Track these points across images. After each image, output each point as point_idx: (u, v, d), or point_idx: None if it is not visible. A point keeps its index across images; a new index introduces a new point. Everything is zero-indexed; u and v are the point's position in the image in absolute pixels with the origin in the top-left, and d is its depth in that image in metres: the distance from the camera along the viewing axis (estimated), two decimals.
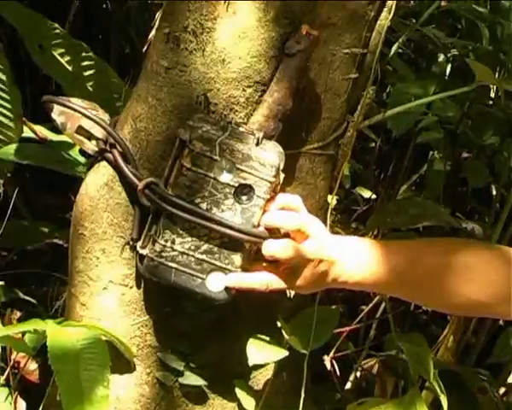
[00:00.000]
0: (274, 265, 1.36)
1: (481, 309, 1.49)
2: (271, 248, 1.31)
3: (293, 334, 1.51)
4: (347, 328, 1.83)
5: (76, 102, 1.46)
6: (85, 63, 1.67)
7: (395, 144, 3.10)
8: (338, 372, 1.74)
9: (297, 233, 1.35)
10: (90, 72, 1.68)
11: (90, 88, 1.67)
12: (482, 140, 2.54)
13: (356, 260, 1.42)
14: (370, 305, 1.89)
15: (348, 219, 2.79)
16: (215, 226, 1.34)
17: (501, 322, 2.49)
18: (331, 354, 1.73)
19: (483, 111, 2.61)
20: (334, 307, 1.65)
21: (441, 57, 2.91)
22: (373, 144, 3.21)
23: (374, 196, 2.90)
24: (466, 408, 1.91)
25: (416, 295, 1.57)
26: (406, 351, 1.65)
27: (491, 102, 2.71)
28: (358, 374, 1.90)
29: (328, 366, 1.70)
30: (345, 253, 1.41)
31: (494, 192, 2.77)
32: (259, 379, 1.57)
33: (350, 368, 1.91)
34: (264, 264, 1.36)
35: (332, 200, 1.53)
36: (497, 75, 2.42)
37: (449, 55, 2.86)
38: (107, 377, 1.31)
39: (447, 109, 2.61)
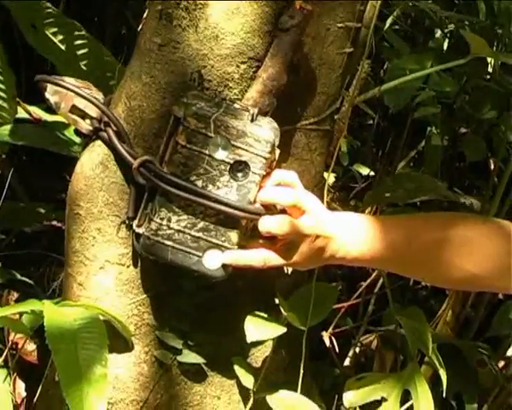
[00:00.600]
0: (271, 241, 1.35)
1: (480, 283, 1.49)
2: (267, 224, 1.31)
3: (292, 311, 1.50)
4: (345, 304, 1.83)
5: (69, 81, 1.45)
6: (78, 42, 1.66)
7: (393, 120, 3.09)
8: (337, 348, 1.75)
9: (293, 209, 1.34)
10: (84, 51, 1.67)
11: (83, 67, 1.66)
12: (480, 114, 2.53)
13: (353, 235, 1.41)
14: (368, 280, 1.89)
15: (346, 196, 2.79)
16: (211, 204, 1.33)
17: (500, 296, 2.50)
18: (330, 330, 1.73)
19: (480, 85, 2.60)
20: (332, 283, 1.64)
21: (438, 32, 2.90)
22: (371, 121, 3.20)
23: (372, 173, 2.89)
24: (465, 382, 1.93)
25: (414, 270, 1.57)
26: (404, 325, 1.66)
27: (488, 77, 2.70)
28: (358, 350, 1.91)
29: (327, 343, 1.71)
30: (342, 228, 1.40)
31: (492, 166, 2.77)
32: (258, 356, 1.57)
33: (349, 344, 1.92)
34: (261, 241, 1.36)
35: (328, 176, 1.52)
36: (494, 49, 2.42)
37: (446, 29, 2.85)
38: (106, 356, 1.30)
39: (444, 84, 2.60)
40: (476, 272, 1.43)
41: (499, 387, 1.97)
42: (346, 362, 1.81)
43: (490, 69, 2.64)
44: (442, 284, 1.61)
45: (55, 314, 1.35)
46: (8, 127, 1.76)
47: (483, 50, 1.65)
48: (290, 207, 1.34)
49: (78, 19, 2.01)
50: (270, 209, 1.35)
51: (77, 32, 1.68)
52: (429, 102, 2.64)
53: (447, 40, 2.84)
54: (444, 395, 1.63)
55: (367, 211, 2.07)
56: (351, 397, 1.66)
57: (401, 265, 1.52)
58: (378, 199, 1.91)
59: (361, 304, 1.99)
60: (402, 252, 1.44)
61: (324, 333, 1.71)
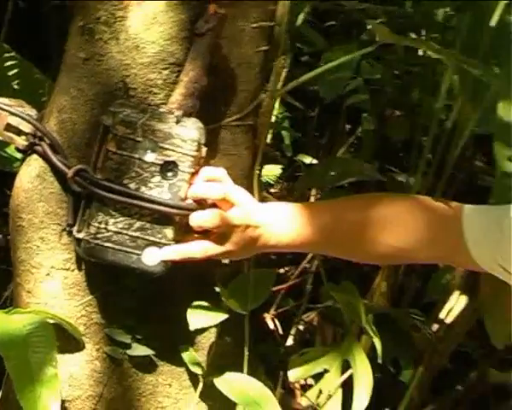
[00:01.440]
0: (204, 235, 1.38)
1: (405, 256, 1.52)
2: (197, 219, 1.34)
3: (232, 297, 1.53)
4: (285, 285, 1.85)
5: (2, 101, 1.45)
6: (9, 63, 1.66)
7: (331, 110, 3.11)
8: (280, 329, 1.77)
9: (222, 202, 1.37)
10: (15, 71, 1.67)
11: (16, 86, 1.66)
12: (407, 97, 2.57)
13: (282, 223, 1.44)
14: (304, 261, 1.92)
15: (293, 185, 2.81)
16: (145, 204, 1.36)
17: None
18: (272, 311, 1.76)
19: (408, 70, 2.64)
20: (269, 269, 1.67)
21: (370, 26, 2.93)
22: (312, 113, 3.22)
23: (315, 162, 2.92)
24: (401, 347, 1.97)
25: (343, 251, 1.59)
26: (339, 300, 1.70)
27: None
28: (302, 328, 1.93)
29: (270, 324, 1.73)
30: (271, 217, 1.43)
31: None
32: (204, 343, 1.58)
33: (292, 323, 1.94)
34: (196, 235, 1.39)
35: (255, 168, 1.54)
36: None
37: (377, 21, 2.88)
38: (55, 357, 1.31)
39: (374, 72, 2.64)
40: (400, 246, 1.47)
41: (432, 348, 2.02)
42: (290, 341, 1.84)
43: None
44: (370, 260, 1.64)
45: (5, 322, 1.36)
46: None
47: (387, 37, 1.69)
48: (220, 201, 1.37)
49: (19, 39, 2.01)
50: (201, 204, 1.37)
51: (7, 54, 1.67)
52: (361, 89, 2.68)
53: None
54: (380, 361, 1.68)
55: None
56: (295, 373, 1.69)
57: (330, 247, 1.55)
58: (308, 184, 1.94)
59: (302, 285, 2.01)
60: (329, 234, 1.47)
61: (267, 315, 1.73)
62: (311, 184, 1.93)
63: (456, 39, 2.14)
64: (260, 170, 1.54)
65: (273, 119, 2.70)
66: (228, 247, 1.39)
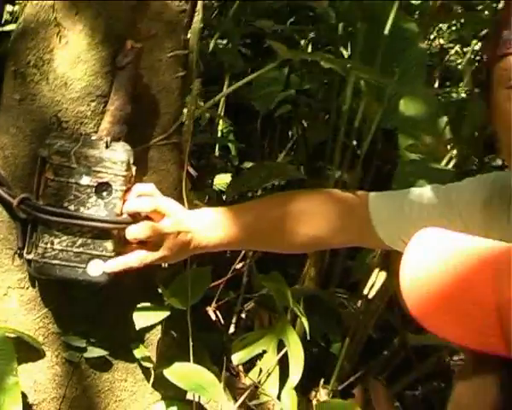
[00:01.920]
0: (142, 244, 1.38)
1: (322, 243, 1.55)
2: (132, 232, 1.34)
3: (173, 296, 1.52)
4: (222, 279, 1.85)
5: None
6: None
7: (270, 120, 3.09)
8: (221, 319, 1.78)
9: (154, 214, 1.37)
10: None
11: None
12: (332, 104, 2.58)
13: (211, 226, 1.45)
14: (240, 256, 1.92)
15: None
16: (84, 222, 1.35)
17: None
18: (213, 304, 1.76)
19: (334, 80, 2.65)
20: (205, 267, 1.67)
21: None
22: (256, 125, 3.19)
23: None
24: (330, 323, 1.98)
25: (267, 245, 1.61)
26: (270, 288, 1.71)
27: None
28: (244, 315, 1.94)
29: (212, 316, 1.74)
30: (200, 222, 1.44)
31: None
32: (152, 339, 1.58)
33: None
34: (134, 245, 1.38)
35: (184, 181, 1.54)
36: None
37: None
38: (15, 367, 1.30)
39: (303, 83, 2.66)
40: (316, 235, 1.49)
41: (357, 322, 2.04)
42: (232, 328, 1.84)
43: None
44: (292, 250, 1.65)
45: None
46: None
47: (287, 54, 1.71)
48: (151, 213, 1.37)
49: None
50: (135, 218, 1.37)
51: None
52: (291, 100, 2.69)
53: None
54: (308, 337, 1.69)
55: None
56: (238, 356, 1.70)
57: (254, 243, 1.57)
58: (237, 188, 1.95)
59: (239, 277, 2.01)
60: (252, 232, 1.48)
61: (209, 308, 1.74)
62: (240, 188, 1.94)
63: (355, 48, 2.17)
64: (186, 181, 1.52)
65: (219, 134, 2.71)
66: (162, 253, 1.39)
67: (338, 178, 2.35)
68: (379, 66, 2.10)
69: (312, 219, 1.50)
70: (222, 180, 2.60)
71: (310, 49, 2.85)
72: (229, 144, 2.68)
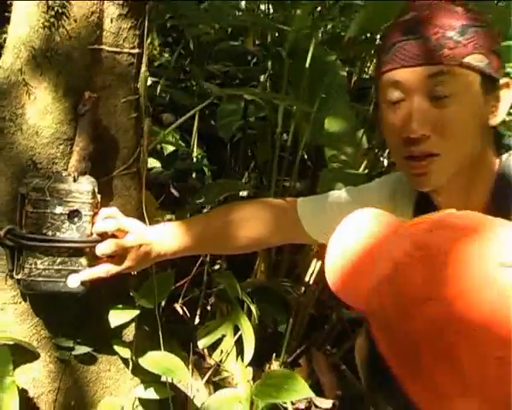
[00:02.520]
0: (110, 258, 1.39)
1: (261, 243, 1.56)
2: (100, 249, 1.35)
3: (143, 297, 1.54)
4: (187, 279, 1.86)
5: None
6: None
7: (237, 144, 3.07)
8: (187, 312, 1.78)
9: (119, 232, 1.38)
10: None
11: None
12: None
13: (168, 237, 1.46)
14: (199, 260, 1.92)
15: None
16: (61, 245, 1.36)
17: None
18: (180, 301, 1.77)
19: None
20: (169, 271, 1.68)
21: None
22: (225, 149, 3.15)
23: None
24: (277, 307, 1.99)
25: (215, 249, 1.63)
26: (223, 283, 1.73)
27: None
28: (209, 308, 1.95)
29: (180, 311, 1.74)
30: (159, 235, 1.45)
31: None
32: (128, 334, 1.59)
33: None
34: (104, 259, 1.41)
35: (144, 201, 1.54)
36: None
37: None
38: (11, 369, 1.30)
39: (256, 112, 2.65)
40: (255, 237, 1.50)
41: (298, 304, 2.05)
42: (197, 319, 1.84)
43: None
44: (237, 251, 1.64)
45: None
46: None
47: (218, 92, 1.72)
48: (116, 232, 1.38)
49: None
50: (103, 236, 1.38)
51: None
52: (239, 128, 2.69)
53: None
54: (256, 321, 1.72)
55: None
56: (202, 341, 1.71)
57: (205, 248, 1.58)
58: (194, 205, 1.96)
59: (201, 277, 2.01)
60: (201, 239, 1.49)
61: (176, 304, 1.74)
62: (196, 204, 1.95)
63: (282, 79, 2.18)
64: (149, 200, 1.54)
65: (194, 159, 2.72)
66: (127, 264, 1.40)
67: (292, 188, 2.36)
68: (307, 92, 2.13)
69: (251, 223, 1.50)
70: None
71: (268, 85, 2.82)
72: (204, 168, 2.67)
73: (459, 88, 1.13)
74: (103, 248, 1.36)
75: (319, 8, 2.48)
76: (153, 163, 2.36)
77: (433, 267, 0.69)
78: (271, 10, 2.83)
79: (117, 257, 1.40)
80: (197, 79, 2.14)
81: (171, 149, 2.49)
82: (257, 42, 2.78)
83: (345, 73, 2.30)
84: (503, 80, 1.18)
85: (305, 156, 2.72)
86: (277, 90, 2.38)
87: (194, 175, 2.66)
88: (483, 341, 0.64)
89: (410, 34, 1.16)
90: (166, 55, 2.53)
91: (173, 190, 2.50)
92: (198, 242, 1.49)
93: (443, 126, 1.14)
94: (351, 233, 0.84)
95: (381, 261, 0.77)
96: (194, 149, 2.61)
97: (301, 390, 1.42)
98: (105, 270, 1.39)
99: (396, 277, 0.73)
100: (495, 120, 1.19)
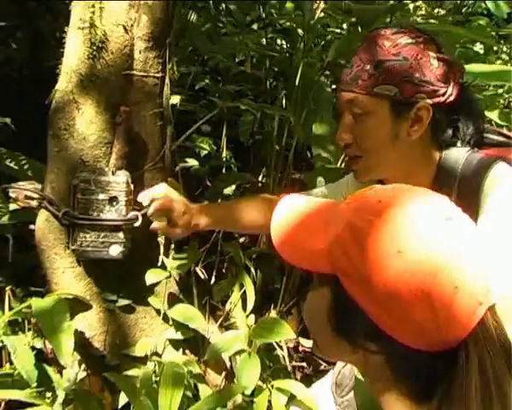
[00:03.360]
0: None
1: (263, 228, 1.51)
2: (153, 226, 1.37)
3: (175, 263, 1.55)
4: (205, 247, 1.86)
5: (22, 184, 1.45)
6: (24, 162, 1.65)
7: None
8: (206, 275, 1.78)
9: (166, 201, 1.36)
10: (27, 166, 1.64)
11: (30, 174, 1.64)
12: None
13: (204, 214, 1.43)
14: (214, 234, 1.90)
15: None
16: (103, 223, 1.40)
17: None
18: (200, 265, 1.76)
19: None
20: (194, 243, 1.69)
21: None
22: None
23: None
24: (275, 270, 2.00)
25: (232, 227, 1.60)
26: (231, 251, 1.75)
27: None
28: (224, 271, 1.94)
29: (200, 273, 1.75)
30: (198, 210, 1.43)
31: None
32: (160, 291, 1.59)
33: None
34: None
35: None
36: None
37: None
38: (68, 316, 1.34)
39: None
40: (259, 222, 1.48)
41: (291, 266, 2.05)
42: (213, 279, 1.85)
43: None
44: (247, 231, 1.70)
45: (41, 303, 1.37)
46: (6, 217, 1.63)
47: (222, 104, 1.73)
48: (163, 198, 1.36)
49: None
50: (136, 218, 1.39)
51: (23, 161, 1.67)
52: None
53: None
54: (259, 281, 1.72)
55: None
56: (216, 295, 1.72)
57: (225, 225, 1.57)
58: (216, 188, 1.96)
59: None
60: (223, 219, 1.49)
61: (197, 268, 1.75)
62: (216, 190, 1.97)
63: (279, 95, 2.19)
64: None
65: (224, 159, 2.72)
66: (174, 227, 1.39)
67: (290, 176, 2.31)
68: (299, 104, 2.14)
69: (256, 212, 1.50)
70: (229, 188, 2.59)
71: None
72: (231, 165, 2.67)
73: (370, 110, 1.15)
74: (156, 226, 1.37)
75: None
76: (192, 162, 2.36)
77: (388, 231, 0.68)
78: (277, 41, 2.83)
79: (170, 224, 1.39)
80: (214, 95, 2.15)
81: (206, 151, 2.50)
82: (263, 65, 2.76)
83: (330, 89, 2.29)
84: (423, 103, 1.13)
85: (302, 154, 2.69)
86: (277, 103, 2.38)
87: (223, 171, 2.66)
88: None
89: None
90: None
91: (208, 183, 2.50)
92: (220, 220, 1.49)
93: (360, 137, 1.18)
94: (295, 203, 0.83)
95: (334, 223, 0.73)
96: (224, 151, 2.62)
97: (286, 333, 1.44)
98: (159, 227, 1.38)
99: (361, 239, 0.69)
100: (415, 134, 1.16)
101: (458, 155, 1.17)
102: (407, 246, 0.65)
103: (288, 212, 0.82)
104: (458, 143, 1.19)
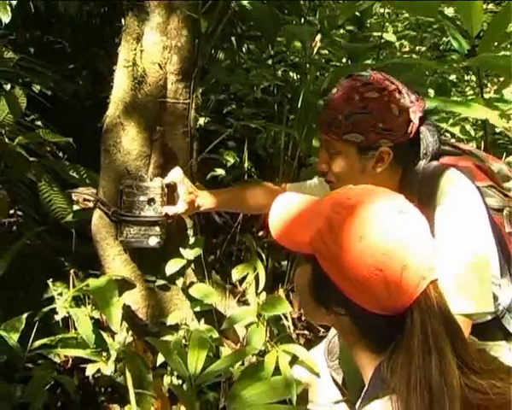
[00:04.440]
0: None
1: (264, 207, 1.44)
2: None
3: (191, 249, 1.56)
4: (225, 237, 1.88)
5: (81, 189, 1.50)
6: (83, 172, 1.68)
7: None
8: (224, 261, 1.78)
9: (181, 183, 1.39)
10: (85, 175, 1.68)
11: (87, 181, 1.67)
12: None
13: (209, 195, 1.43)
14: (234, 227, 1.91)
15: None
16: (144, 219, 1.42)
17: None
18: (219, 253, 1.76)
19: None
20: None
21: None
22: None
23: None
24: (283, 255, 2.00)
25: (237, 208, 1.60)
26: (246, 240, 1.75)
27: None
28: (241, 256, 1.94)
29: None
30: (203, 192, 1.44)
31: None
32: (187, 273, 1.61)
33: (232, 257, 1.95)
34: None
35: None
36: None
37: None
38: (116, 293, 1.39)
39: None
40: (262, 203, 1.46)
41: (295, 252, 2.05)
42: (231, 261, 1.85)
43: None
44: (251, 212, 1.63)
45: (97, 282, 1.42)
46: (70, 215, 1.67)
47: (237, 124, 1.73)
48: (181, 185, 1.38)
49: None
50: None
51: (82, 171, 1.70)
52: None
53: None
54: (269, 264, 1.72)
55: None
56: (235, 276, 1.69)
57: (229, 207, 1.56)
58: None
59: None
60: (228, 201, 1.48)
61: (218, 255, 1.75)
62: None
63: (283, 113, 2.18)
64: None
65: (245, 169, 2.71)
66: (180, 204, 1.40)
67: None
68: (302, 122, 2.14)
69: (258, 196, 1.48)
70: None
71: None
72: (252, 173, 2.68)
73: (341, 151, 1.14)
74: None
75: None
76: (220, 171, 2.37)
77: (354, 221, 0.70)
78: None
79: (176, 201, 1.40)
80: (238, 117, 2.17)
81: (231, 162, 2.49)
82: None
83: None
84: (384, 148, 1.12)
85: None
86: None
87: (245, 178, 2.65)
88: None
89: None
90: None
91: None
92: (224, 202, 1.47)
93: (333, 168, 1.17)
94: (288, 202, 0.84)
95: (316, 218, 0.75)
96: (246, 162, 2.62)
97: (285, 308, 1.46)
98: (167, 210, 1.40)
99: (333, 227, 0.71)
100: (379, 169, 1.15)
101: (418, 165, 1.17)
102: (367, 233, 0.68)
103: (282, 210, 0.83)
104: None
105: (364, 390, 0.70)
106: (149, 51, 1.46)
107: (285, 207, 0.83)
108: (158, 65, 1.47)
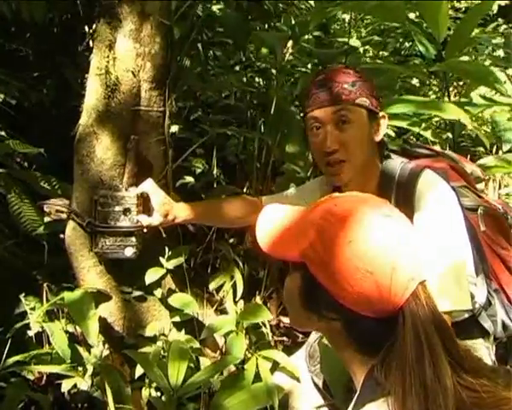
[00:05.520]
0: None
1: (241, 221, 1.50)
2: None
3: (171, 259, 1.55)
4: (201, 247, 1.84)
5: (53, 200, 1.47)
6: (56, 186, 1.62)
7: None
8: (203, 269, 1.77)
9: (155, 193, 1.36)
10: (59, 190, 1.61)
11: (59, 191, 1.60)
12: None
13: (184, 208, 1.41)
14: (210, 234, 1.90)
15: None
16: (119, 230, 1.40)
17: None
18: (198, 261, 1.75)
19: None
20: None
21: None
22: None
23: None
24: (259, 263, 1.99)
25: (212, 222, 1.59)
26: (222, 249, 1.74)
27: None
28: (218, 265, 1.88)
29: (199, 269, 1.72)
30: (178, 204, 1.40)
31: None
32: (166, 283, 1.59)
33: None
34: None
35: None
36: None
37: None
38: (93, 305, 1.36)
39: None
40: (237, 217, 1.47)
41: (272, 260, 2.06)
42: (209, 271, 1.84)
43: None
44: (225, 226, 1.63)
45: (72, 295, 1.39)
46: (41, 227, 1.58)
47: (212, 131, 1.73)
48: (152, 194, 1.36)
49: None
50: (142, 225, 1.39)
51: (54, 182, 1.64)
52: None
53: None
54: (244, 273, 1.73)
55: None
56: (212, 285, 1.67)
57: (204, 220, 1.54)
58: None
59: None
60: (203, 213, 1.45)
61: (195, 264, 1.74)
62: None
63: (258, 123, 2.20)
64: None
65: (215, 176, 2.70)
66: (155, 217, 1.37)
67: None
68: (274, 128, 2.15)
69: (234, 209, 1.47)
70: None
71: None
72: (221, 180, 2.65)
73: (354, 118, 1.19)
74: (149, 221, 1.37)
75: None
76: (189, 179, 2.35)
77: (342, 227, 0.71)
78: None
79: (149, 213, 1.38)
80: (205, 124, 2.15)
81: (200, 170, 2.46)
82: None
83: (298, 117, 2.32)
84: (381, 113, 1.24)
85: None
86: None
87: (215, 185, 2.63)
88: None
89: (321, 88, 1.21)
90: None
91: (203, 196, 2.48)
92: (203, 215, 1.46)
93: (346, 143, 1.19)
94: (274, 213, 0.84)
95: (306, 228, 0.75)
96: (215, 169, 2.60)
97: (265, 315, 1.45)
98: (143, 220, 1.38)
99: (323, 234, 0.72)
100: (377, 138, 1.23)
101: (394, 165, 1.21)
102: (355, 237, 0.69)
103: (270, 222, 0.83)
104: (392, 156, 1.24)
105: (357, 394, 0.70)
106: (122, 59, 1.45)
107: (273, 218, 0.83)
108: (131, 72, 1.45)
